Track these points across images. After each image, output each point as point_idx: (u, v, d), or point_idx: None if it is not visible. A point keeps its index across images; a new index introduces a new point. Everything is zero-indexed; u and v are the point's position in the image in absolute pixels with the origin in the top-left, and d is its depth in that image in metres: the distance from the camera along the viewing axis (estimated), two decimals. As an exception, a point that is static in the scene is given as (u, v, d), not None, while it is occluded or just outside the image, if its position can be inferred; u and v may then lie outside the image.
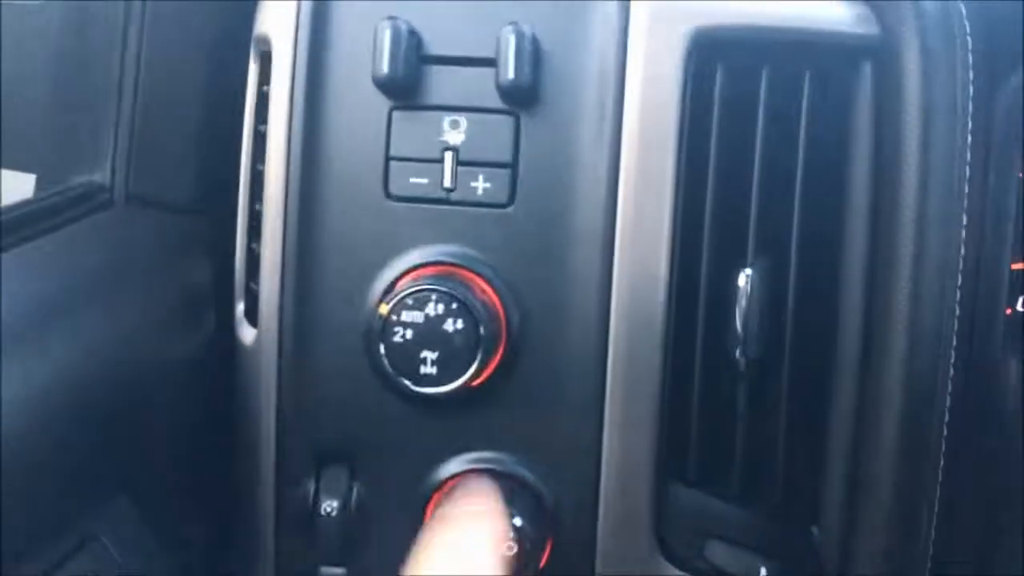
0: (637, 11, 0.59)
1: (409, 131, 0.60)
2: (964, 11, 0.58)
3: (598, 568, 0.62)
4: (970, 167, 0.59)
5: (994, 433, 0.64)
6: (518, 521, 0.58)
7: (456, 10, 0.60)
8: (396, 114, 0.60)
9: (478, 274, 0.60)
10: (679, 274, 0.60)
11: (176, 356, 0.61)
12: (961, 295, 0.59)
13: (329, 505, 0.62)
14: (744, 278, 0.60)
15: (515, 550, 0.59)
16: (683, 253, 0.60)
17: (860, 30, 0.59)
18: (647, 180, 0.59)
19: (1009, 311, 0.65)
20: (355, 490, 0.62)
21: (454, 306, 0.57)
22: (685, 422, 0.62)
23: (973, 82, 0.58)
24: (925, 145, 0.58)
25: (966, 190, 0.59)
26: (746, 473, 0.63)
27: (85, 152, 0.71)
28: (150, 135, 0.69)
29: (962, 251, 0.60)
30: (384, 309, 0.58)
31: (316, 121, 0.61)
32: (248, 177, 0.65)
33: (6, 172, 0.78)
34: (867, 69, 0.60)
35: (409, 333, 0.58)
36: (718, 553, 0.62)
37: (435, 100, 0.60)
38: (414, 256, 0.61)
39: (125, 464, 0.54)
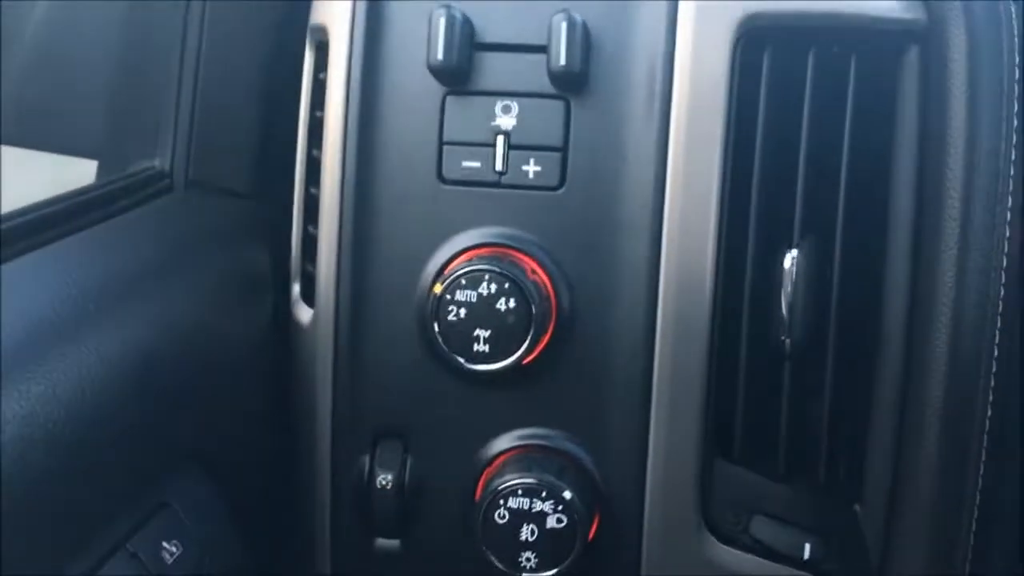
0: (686, -2, 0.61)
1: (462, 116, 0.62)
2: (1011, -5, 0.59)
3: (644, 542, 0.63)
4: (1016, 149, 0.59)
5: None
6: (567, 494, 0.60)
7: None
8: (449, 99, 0.62)
9: (529, 255, 0.61)
10: (726, 256, 0.61)
11: (237, 335, 0.63)
12: (1007, 275, 0.60)
13: (384, 479, 0.64)
14: (790, 260, 0.61)
15: (564, 523, 0.60)
16: (730, 236, 0.62)
17: (907, 15, 0.60)
18: (695, 164, 0.60)
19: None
20: (409, 465, 0.64)
21: (506, 286, 0.59)
22: (731, 401, 0.63)
23: (1020, 66, 0.59)
24: (971, 128, 0.58)
25: (1011, 172, 0.60)
26: (791, 451, 0.64)
27: (146, 139, 0.73)
28: (209, 123, 0.71)
29: (1007, 232, 0.60)
30: (438, 288, 0.60)
31: (371, 107, 0.63)
32: (304, 162, 0.67)
33: (71, 159, 0.81)
34: (913, 54, 0.61)
35: (463, 312, 0.59)
36: (763, 529, 0.64)
37: (487, 86, 0.62)
38: (466, 238, 0.62)
39: (194, 436, 0.57)
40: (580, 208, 0.62)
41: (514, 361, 0.60)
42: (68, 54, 0.83)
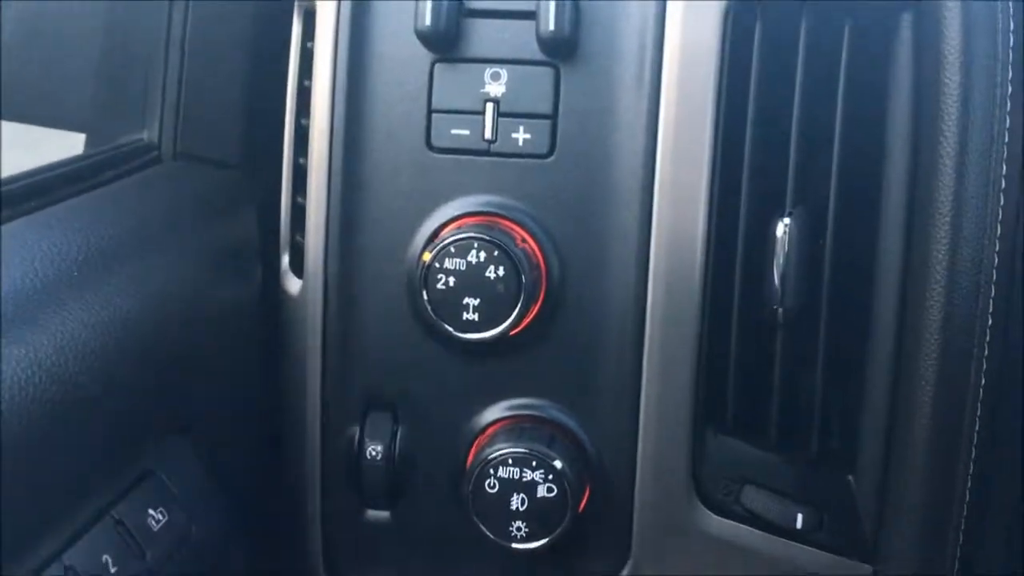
0: (677, -38, 0.60)
1: (451, 84, 0.61)
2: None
3: (636, 513, 0.63)
4: (1010, 116, 0.59)
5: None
6: (558, 464, 0.60)
7: None
8: (438, 67, 0.61)
9: (519, 224, 0.61)
10: (717, 224, 0.61)
11: (225, 305, 0.63)
12: (1001, 243, 0.60)
13: (374, 450, 0.63)
14: (782, 228, 0.61)
15: (555, 492, 0.60)
16: (721, 203, 0.61)
17: None
18: (686, 131, 0.60)
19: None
20: (399, 435, 0.64)
21: (496, 254, 0.59)
22: (723, 371, 0.63)
23: (1014, 31, 0.58)
24: (965, 95, 0.58)
25: (1006, 139, 0.59)
26: (783, 422, 0.63)
27: (134, 112, 0.73)
28: (196, 94, 0.71)
29: (1001, 200, 0.60)
30: (427, 257, 0.59)
31: (359, 75, 0.62)
32: (292, 132, 0.67)
33: (57, 132, 0.80)
34: (907, 20, 0.60)
35: (452, 280, 0.59)
36: (755, 499, 0.63)
37: (476, 53, 0.61)
38: (456, 206, 0.62)
39: (180, 405, 0.56)
40: (570, 176, 0.61)
41: (504, 330, 0.59)
42: (55, 28, 0.82)
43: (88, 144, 0.78)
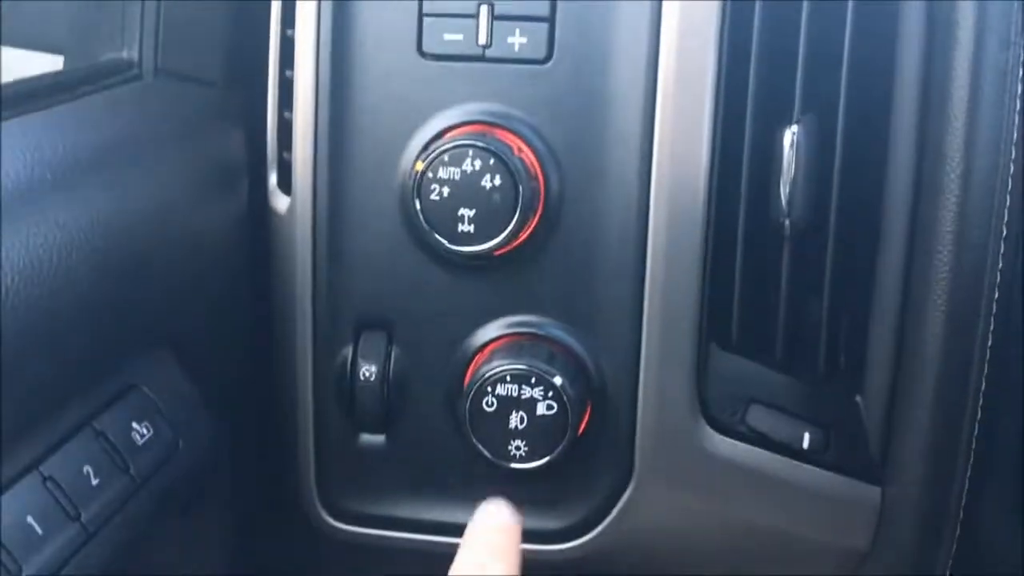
0: None
1: None
2: None
3: (639, 433, 0.61)
4: None
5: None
6: (558, 380, 0.58)
7: None
8: None
9: (515, 133, 0.58)
10: (723, 131, 0.58)
11: (211, 223, 0.61)
12: (1017, 150, 0.57)
13: (367, 371, 0.61)
14: (790, 137, 0.58)
15: (555, 409, 0.58)
16: (727, 109, 0.58)
17: None
18: (690, 34, 0.57)
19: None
20: (393, 356, 0.62)
21: (492, 162, 0.56)
22: (728, 286, 0.61)
23: None
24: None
25: (1021, 57, 0.57)
26: (790, 339, 0.61)
27: (113, 31, 0.70)
28: (177, 9, 0.68)
29: (1018, 105, 0.57)
30: (420, 166, 0.57)
31: (347, -21, 0.59)
32: (278, 44, 0.64)
33: (35, 54, 0.78)
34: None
35: (446, 190, 0.57)
36: (761, 418, 0.62)
37: None
38: (449, 116, 0.59)
39: (164, 319, 0.54)
40: (569, 82, 0.58)
41: (500, 242, 0.57)
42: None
43: (66, 65, 0.75)
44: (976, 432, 0.61)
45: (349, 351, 0.62)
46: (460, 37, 0.59)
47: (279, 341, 0.63)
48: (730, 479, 0.62)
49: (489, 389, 0.58)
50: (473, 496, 0.63)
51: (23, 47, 0.79)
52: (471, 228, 0.57)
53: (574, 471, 0.62)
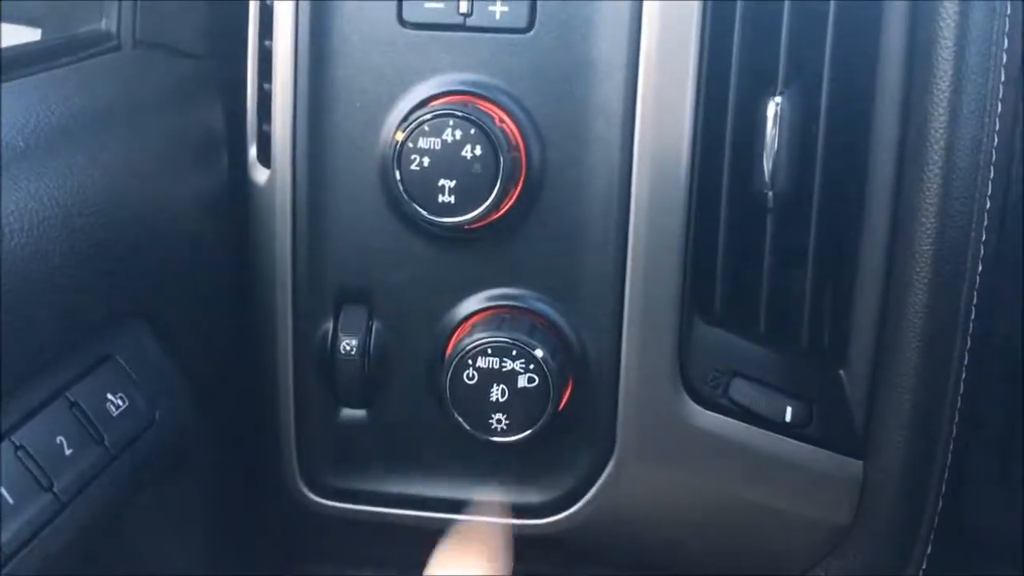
0: None
1: None
2: None
3: (620, 407, 0.61)
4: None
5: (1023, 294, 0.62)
6: (539, 353, 0.57)
7: None
8: None
9: (496, 103, 0.58)
10: (706, 101, 0.58)
11: (190, 195, 0.60)
12: (1000, 122, 0.57)
13: (348, 344, 0.61)
14: (773, 108, 0.58)
15: (536, 382, 0.58)
16: (710, 81, 0.58)
17: None
18: (673, 1, 0.57)
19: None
20: (374, 329, 0.61)
21: (473, 132, 0.55)
22: (711, 259, 0.60)
23: None
24: None
25: (1008, 11, 0.57)
26: (773, 312, 0.61)
27: (90, 3, 0.69)
28: (156, -20, 0.67)
29: (1002, 75, 0.57)
30: (400, 135, 0.56)
31: (326, -52, 0.59)
32: (257, 14, 0.63)
33: (13, 26, 0.76)
34: None
35: (426, 160, 0.56)
36: (743, 391, 0.61)
37: None
38: (430, 85, 0.58)
39: (140, 290, 0.53)
40: (550, 51, 0.58)
41: (481, 213, 0.56)
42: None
43: (44, 37, 0.74)
44: (959, 406, 0.61)
45: (329, 325, 0.61)
46: (441, 6, 0.58)
47: (259, 314, 0.62)
48: (712, 453, 0.62)
49: (470, 362, 0.58)
50: (455, 470, 0.63)
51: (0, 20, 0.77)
52: (451, 199, 0.56)
53: (556, 445, 0.61)
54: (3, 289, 0.43)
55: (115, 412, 0.48)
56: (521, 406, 0.58)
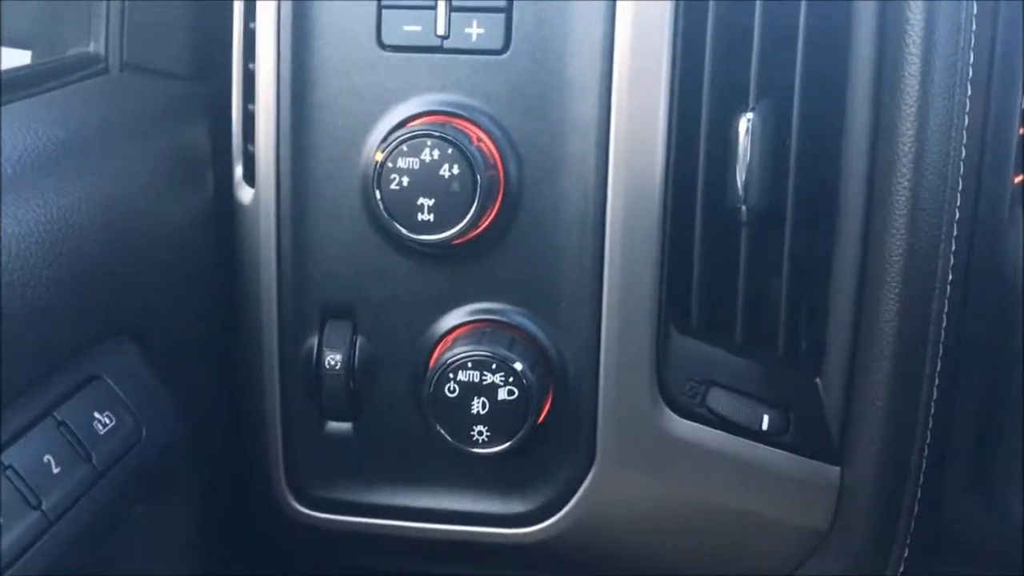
0: None
1: None
2: None
3: (600, 418, 0.62)
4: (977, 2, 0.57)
5: (995, 304, 0.63)
6: (518, 366, 0.59)
7: None
8: None
9: (474, 122, 0.59)
10: (679, 118, 0.59)
11: (176, 215, 0.61)
12: (968, 135, 0.58)
13: (333, 359, 0.62)
14: (745, 122, 0.59)
15: (516, 395, 0.59)
16: (682, 97, 0.59)
17: None
18: (644, 20, 0.58)
19: (1020, 178, 0.64)
20: (358, 344, 0.63)
21: (450, 151, 0.57)
22: (687, 272, 0.61)
23: None
24: None
25: (974, 26, 0.58)
26: (749, 323, 0.62)
27: (79, 25, 0.70)
28: (142, 4, 0.68)
29: (969, 90, 0.58)
30: (380, 156, 0.57)
31: (306, -28, 0.60)
32: (241, 37, 0.64)
33: (2, 49, 0.78)
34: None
35: (405, 180, 0.57)
36: (721, 401, 0.63)
37: None
38: (409, 106, 0.60)
39: (127, 309, 0.55)
40: (526, 72, 0.59)
41: (459, 231, 0.58)
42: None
43: (34, 60, 0.75)
44: (933, 412, 0.62)
45: (314, 340, 0.63)
46: (419, 28, 0.59)
47: (245, 331, 0.64)
48: (691, 461, 0.63)
49: (451, 375, 0.59)
50: (439, 481, 0.65)
51: (-10, 43, 0.79)
52: (431, 217, 0.58)
53: (537, 456, 0.63)
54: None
55: (103, 430, 0.50)
56: (501, 418, 0.59)
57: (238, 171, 0.65)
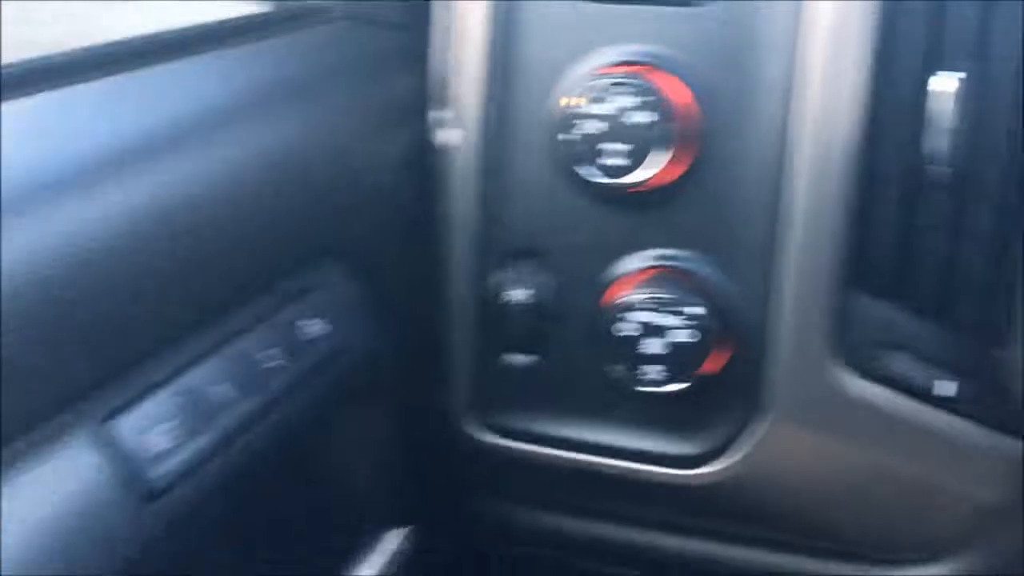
0: None
1: None
2: None
3: (773, 370, 0.63)
4: None
5: None
6: (695, 310, 0.60)
7: None
8: None
9: (666, 72, 0.61)
10: (877, 72, 0.59)
11: (385, 152, 0.67)
12: None
13: (517, 295, 0.66)
14: (948, 83, 0.58)
15: (691, 338, 0.61)
16: (882, 53, 0.59)
17: None
18: None
19: None
20: (542, 283, 0.66)
21: (646, 100, 0.59)
22: (876, 231, 0.61)
23: None
24: None
25: None
26: (939, 288, 0.61)
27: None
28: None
29: None
30: (575, 101, 0.60)
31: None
32: (451, -9, 0.69)
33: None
34: None
35: (600, 125, 0.60)
36: (900, 363, 0.62)
37: None
38: (606, 55, 0.62)
39: (338, 233, 0.60)
40: (720, 26, 0.60)
41: (647, 178, 0.60)
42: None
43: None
44: None
45: (502, 276, 0.67)
46: None
47: (440, 263, 0.69)
48: (865, 422, 0.63)
49: (630, 316, 0.61)
50: (609, 418, 0.68)
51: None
52: (618, 162, 0.60)
53: (707, 402, 0.64)
54: (207, 230, 0.50)
55: (313, 335, 0.56)
56: (675, 360, 0.61)
57: (444, 115, 0.70)
